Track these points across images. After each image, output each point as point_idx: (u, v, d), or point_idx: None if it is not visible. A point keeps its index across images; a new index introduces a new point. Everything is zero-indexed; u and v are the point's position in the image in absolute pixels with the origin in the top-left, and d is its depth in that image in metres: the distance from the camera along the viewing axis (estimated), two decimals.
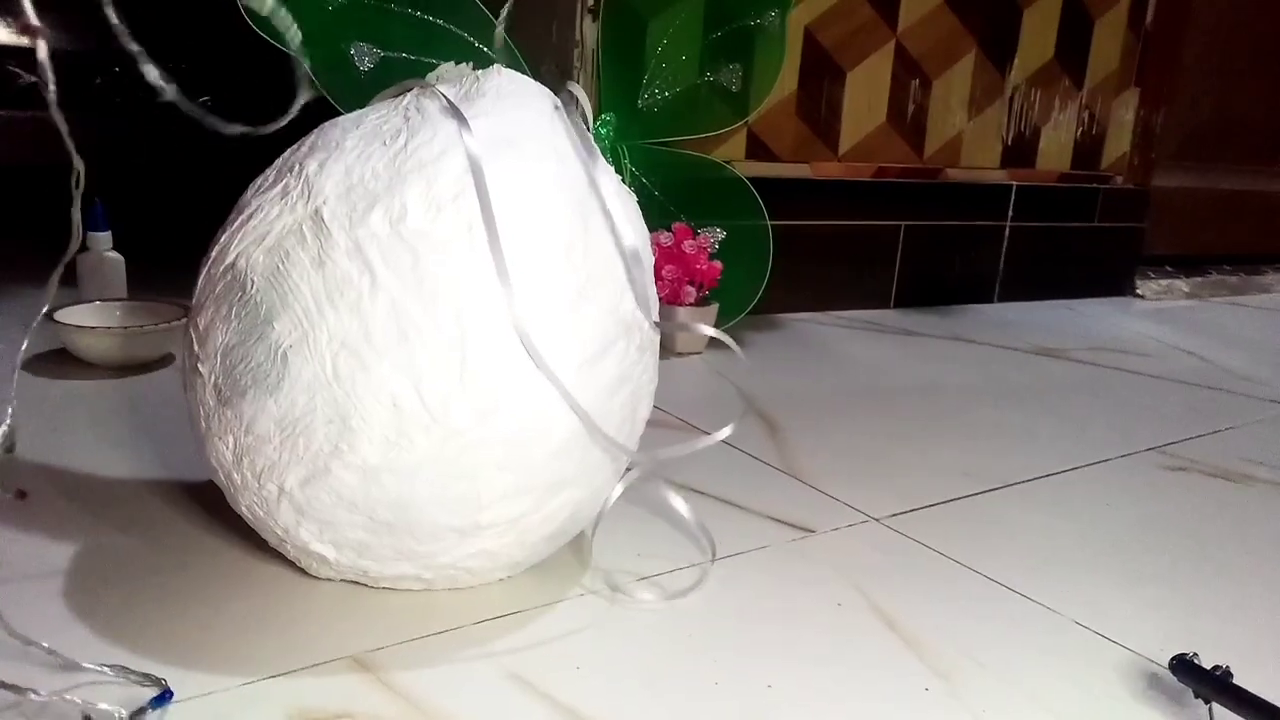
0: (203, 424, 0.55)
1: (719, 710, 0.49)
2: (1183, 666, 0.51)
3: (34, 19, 0.41)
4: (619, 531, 0.67)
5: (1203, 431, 1.02)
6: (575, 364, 0.52)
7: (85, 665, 0.47)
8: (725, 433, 0.58)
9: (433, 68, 0.59)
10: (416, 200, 0.50)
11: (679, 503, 0.68)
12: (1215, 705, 0.49)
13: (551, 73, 1.26)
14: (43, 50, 0.40)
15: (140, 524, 0.65)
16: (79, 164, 0.43)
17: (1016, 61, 1.64)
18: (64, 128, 0.42)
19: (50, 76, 0.40)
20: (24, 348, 0.46)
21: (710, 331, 0.62)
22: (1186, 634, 0.60)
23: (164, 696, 0.45)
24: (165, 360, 1.00)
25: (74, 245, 0.43)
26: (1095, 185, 1.81)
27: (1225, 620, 0.62)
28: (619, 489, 0.60)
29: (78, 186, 0.43)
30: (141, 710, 0.44)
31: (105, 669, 0.47)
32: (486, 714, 0.47)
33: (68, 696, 0.43)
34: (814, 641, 0.56)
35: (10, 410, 0.43)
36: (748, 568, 0.65)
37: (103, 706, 0.43)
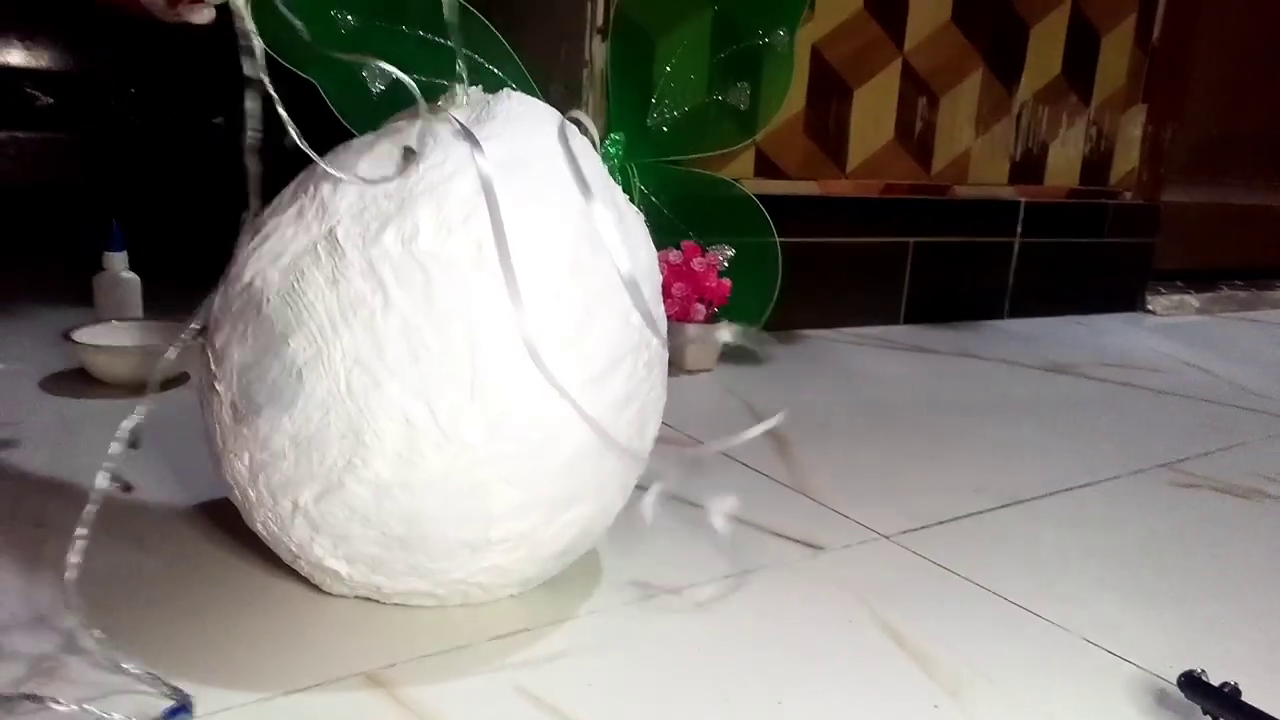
0: (219, 441, 0.55)
1: None
2: (1191, 683, 0.51)
3: (253, 71, 0.43)
4: (628, 548, 0.67)
5: (1213, 448, 1.02)
6: (582, 381, 0.53)
7: (124, 666, 0.47)
8: (774, 422, 0.59)
9: (444, 89, 0.60)
10: (428, 221, 0.51)
11: (719, 513, 0.68)
12: None
13: (560, 93, 1.27)
14: (251, 102, 0.42)
15: (156, 541, 0.65)
16: (255, 206, 0.45)
17: (1024, 78, 1.65)
18: (254, 170, 0.44)
19: (257, 126, 0.42)
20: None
21: (726, 335, 0.61)
22: (1196, 651, 0.60)
23: (180, 709, 0.46)
24: (181, 379, 1.01)
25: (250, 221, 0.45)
26: (1104, 201, 1.81)
27: (1235, 637, 0.62)
28: (650, 497, 0.60)
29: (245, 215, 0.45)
30: None
31: (140, 672, 0.47)
32: None
33: (87, 707, 0.44)
34: (824, 658, 0.56)
35: (140, 410, 0.45)
36: (757, 585, 0.65)
37: (118, 718, 0.44)
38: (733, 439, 0.58)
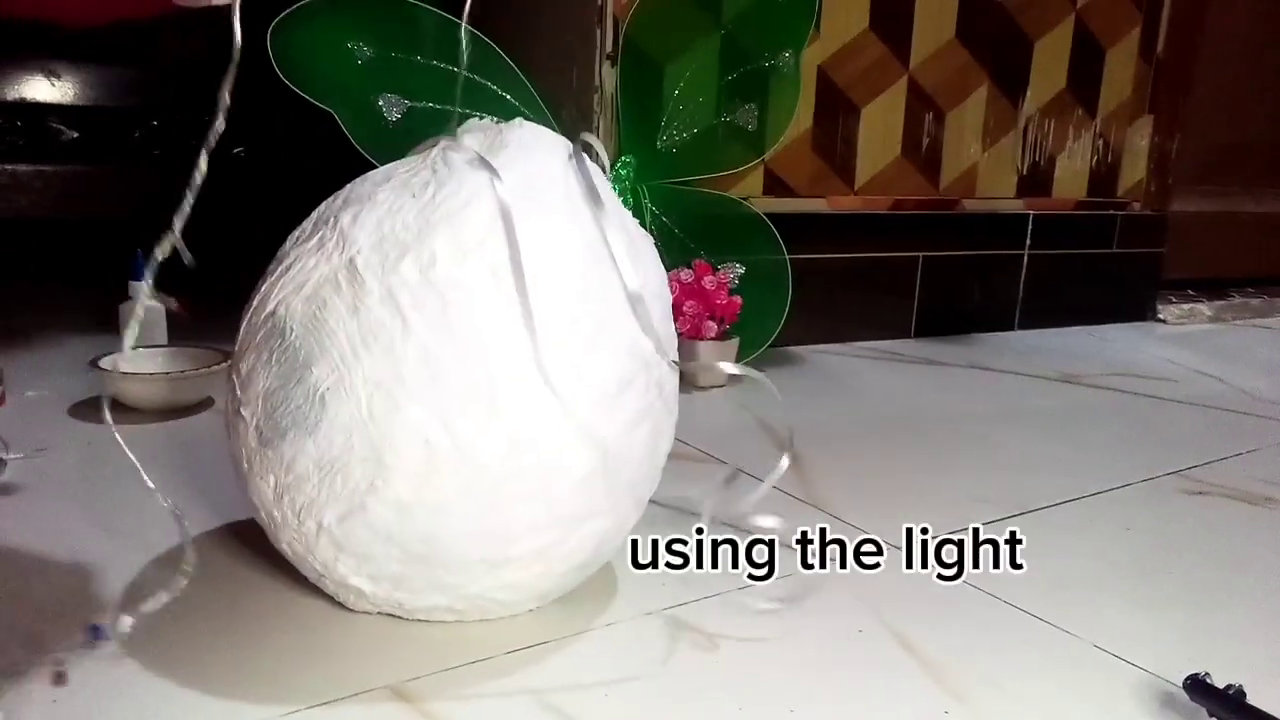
0: (245, 464, 0.57)
1: None
2: (1196, 686, 0.52)
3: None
4: (640, 557, 0.69)
5: (1224, 455, 1.03)
6: (595, 400, 0.55)
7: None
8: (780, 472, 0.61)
9: (459, 116, 0.62)
10: (444, 249, 0.53)
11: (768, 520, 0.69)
12: None
13: (573, 117, 1.30)
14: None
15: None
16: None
17: (1029, 92, 1.67)
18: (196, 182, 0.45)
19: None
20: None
21: (732, 368, 0.63)
22: (1203, 655, 0.60)
23: (99, 628, 0.49)
24: (206, 404, 1.04)
25: None
26: (1113, 212, 1.82)
27: (1243, 641, 0.63)
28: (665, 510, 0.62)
29: None
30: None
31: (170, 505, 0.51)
32: None
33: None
34: (835, 667, 0.58)
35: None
36: (769, 595, 0.66)
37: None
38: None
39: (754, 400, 1.18)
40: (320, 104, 1.02)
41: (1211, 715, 0.51)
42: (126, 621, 0.50)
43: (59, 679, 0.45)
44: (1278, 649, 0.62)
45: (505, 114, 0.62)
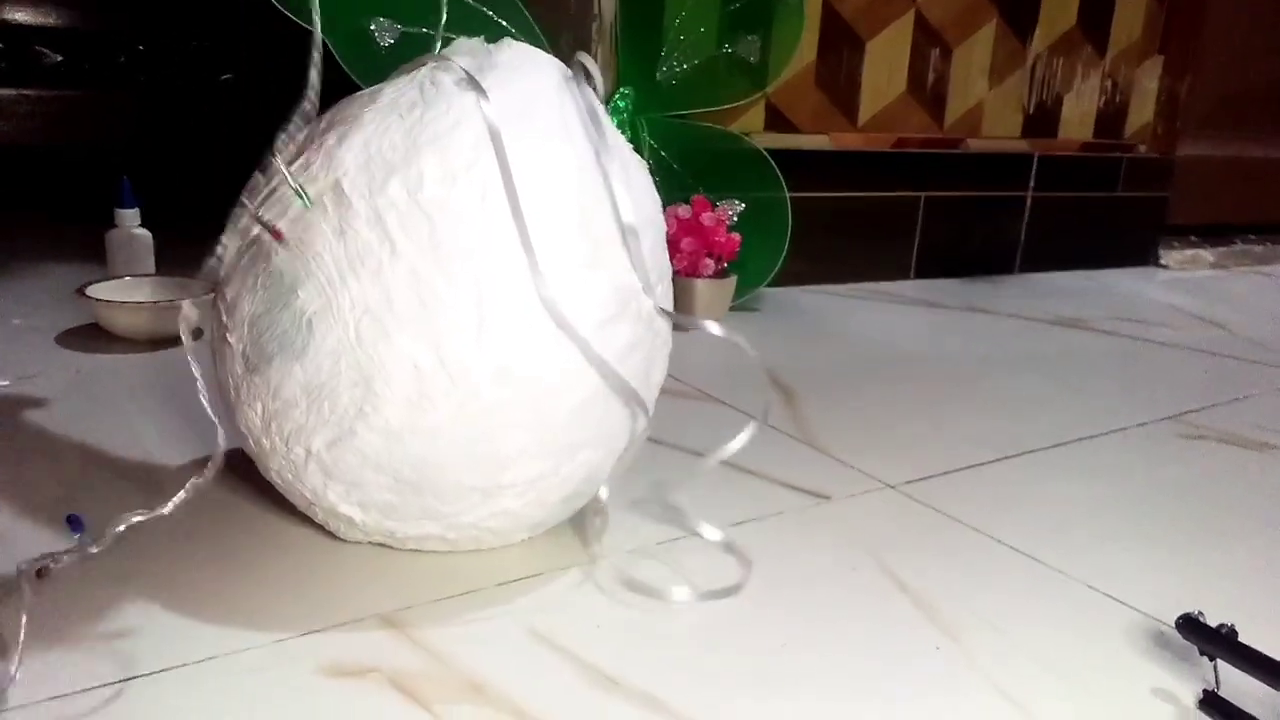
0: (232, 392, 0.56)
1: (734, 666, 0.50)
2: (1189, 625, 0.51)
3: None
4: (633, 495, 0.68)
5: (1221, 400, 1.02)
6: (589, 327, 0.53)
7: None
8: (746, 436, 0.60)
9: (448, 42, 0.60)
10: (433, 170, 0.51)
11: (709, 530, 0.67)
12: (1220, 662, 0.50)
13: (570, 45, 1.27)
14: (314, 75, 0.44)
15: (173, 491, 0.66)
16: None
17: (1038, 30, 1.63)
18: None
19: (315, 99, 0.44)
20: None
21: (715, 329, 0.60)
22: (1196, 595, 0.60)
23: (76, 520, 0.49)
24: (194, 333, 1.02)
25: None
26: (1118, 154, 1.79)
27: (1236, 582, 0.63)
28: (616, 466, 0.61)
29: None
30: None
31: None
32: (509, 669, 0.49)
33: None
34: (828, 603, 0.57)
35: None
36: (764, 533, 0.66)
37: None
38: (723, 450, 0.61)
39: (749, 341, 1.16)
40: (309, 27, 0.99)
41: (1203, 654, 0.51)
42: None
43: (41, 574, 0.45)
44: (1270, 589, 0.62)
45: (497, 40, 0.59)
